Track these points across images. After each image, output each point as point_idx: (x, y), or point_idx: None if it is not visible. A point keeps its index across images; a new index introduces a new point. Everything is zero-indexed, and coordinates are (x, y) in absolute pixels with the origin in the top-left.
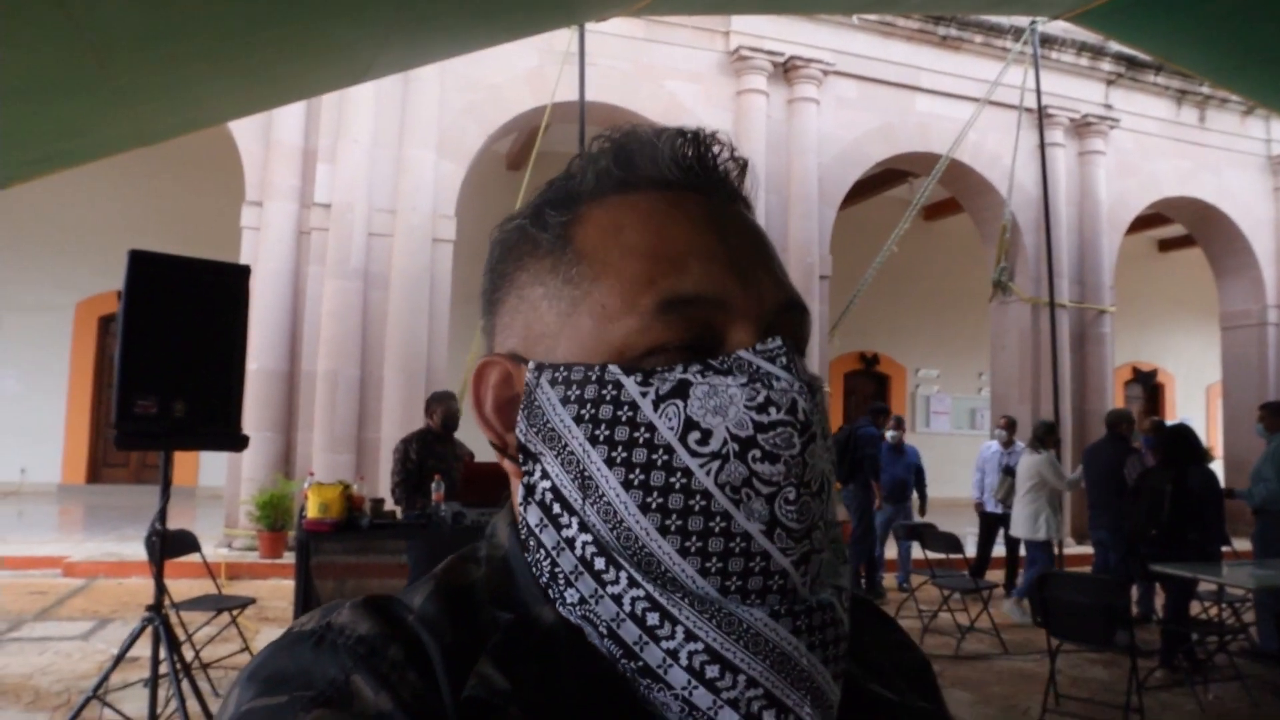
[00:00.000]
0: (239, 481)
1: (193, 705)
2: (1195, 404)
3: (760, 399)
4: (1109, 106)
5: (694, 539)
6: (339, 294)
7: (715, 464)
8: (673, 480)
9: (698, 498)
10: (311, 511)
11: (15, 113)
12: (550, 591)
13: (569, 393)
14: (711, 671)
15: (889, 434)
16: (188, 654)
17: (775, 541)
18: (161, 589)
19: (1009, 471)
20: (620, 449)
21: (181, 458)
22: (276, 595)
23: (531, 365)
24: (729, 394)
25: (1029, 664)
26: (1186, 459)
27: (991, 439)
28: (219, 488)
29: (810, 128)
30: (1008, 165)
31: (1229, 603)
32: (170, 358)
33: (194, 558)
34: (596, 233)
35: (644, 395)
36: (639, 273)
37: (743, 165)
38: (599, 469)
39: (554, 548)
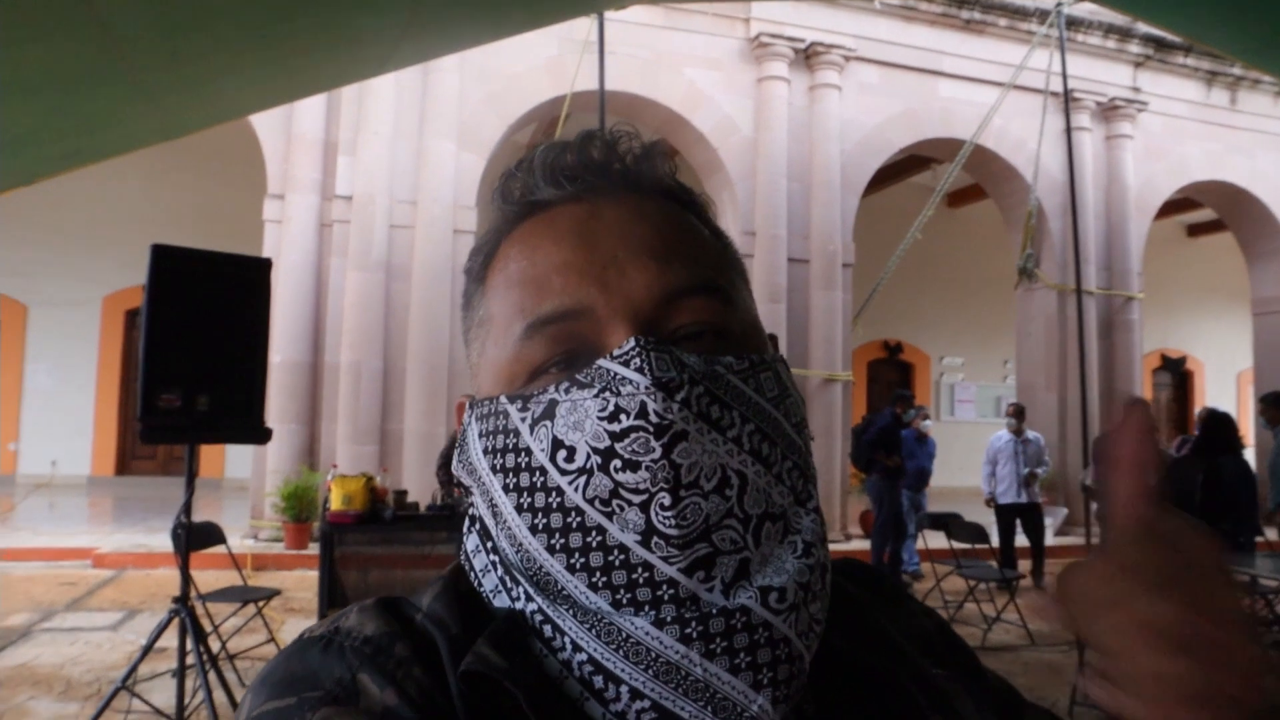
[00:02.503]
0: (264, 474)
1: (219, 696)
2: (1226, 392)
3: (610, 408)
4: (1137, 89)
5: (576, 555)
6: (361, 286)
7: (581, 479)
8: (550, 501)
9: (572, 515)
10: (335, 504)
11: (38, 108)
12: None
13: (482, 426)
14: (598, 682)
15: (923, 423)
16: (214, 645)
17: (654, 550)
18: (187, 581)
19: None
20: (510, 475)
21: (208, 450)
22: (302, 586)
23: (468, 404)
24: (585, 407)
25: (1056, 655)
26: (1219, 448)
27: (1007, 430)
28: (245, 480)
29: (832, 114)
30: (1033, 150)
31: (1262, 595)
32: (193, 351)
33: (220, 549)
34: (495, 271)
35: (523, 420)
36: (514, 302)
37: (646, 149)
38: (500, 497)
39: (481, 570)
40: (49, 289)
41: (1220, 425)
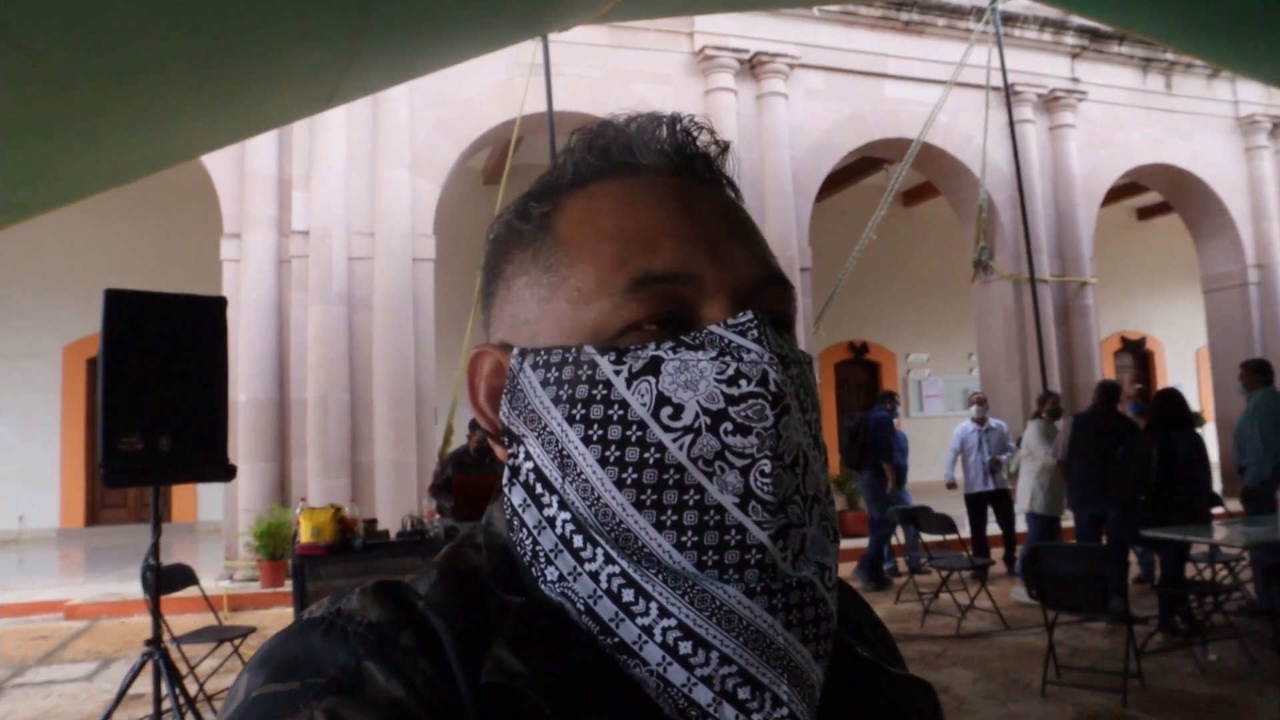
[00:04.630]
0: (236, 513)
1: None
2: (1186, 369)
3: (730, 372)
4: (1075, 80)
5: (669, 512)
6: (323, 319)
7: (688, 438)
8: (646, 455)
9: (671, 471)
10: (304, 536)
11: None
12: (533, 570)
13: (549, 375)
14: (685, 648)
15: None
16: (192, 687)
17: (750, 514)
18: (159, 623)
19: (1019, 443)
20: (596, 426)
21: (180, 494)
22: (280, 623)
23: (515, 351)
24: (700, 368)
25: (1030, 638)
26: (1172, 423)
27: (971, 420)
28: (218, 522)
29: (780, 121)
30: (979, 145)
31: (1225, 562)
32: (152, 393)
33: (194, 591)
34: (573, 220)
35: (617, 373)
36: (611, 254)
37: (723, 147)
38: (577, 447)
39: (535, 526)
40: (7, 341)
41: (1172, 401)
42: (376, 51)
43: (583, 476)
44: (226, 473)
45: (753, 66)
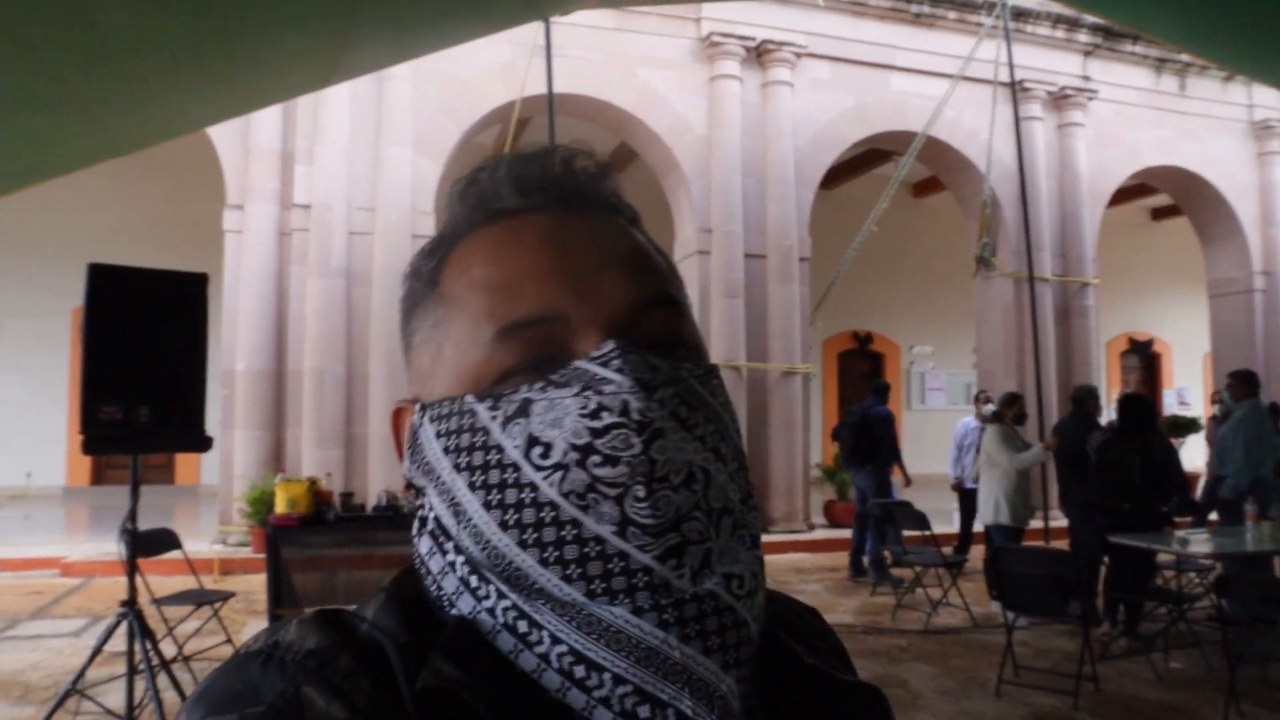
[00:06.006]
0: (231, 479)
1: (171, 697)
2: (1192, 372)
3: (592, 406)
4: (1087, 78)
5: (550, 549)
6: (322, 293)
7: (558, 474)
8: (523, 496)
9: (546, 509)
10: (279, 507)
11: None
12: (438, 615)
13: (440, 426)
14: (579, 672)
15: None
16: (171, 647)
17: (630, 540)
18: (134, 585)
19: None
20: (478, 473)
21: (185, 459)
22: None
23: (417, 406)
24: (564, 405)
25: (995, 637)
26: (1144, 428)
27: (974, 415)
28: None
29: (785, 111)
30: (985, 141)
31: (1196, 571)
32: (133, 365)
33: (180, 554)
34: (453, 274)
35: (494, 419)
36: (481, 305)
37: (601, 170)
38: (464, 495)
39: (439, 572)
40: (19, 301)
41: (1142, 406)
42: (372, 33)
43: (472, 522)
44: (203, 444)
45: (759, 54)
